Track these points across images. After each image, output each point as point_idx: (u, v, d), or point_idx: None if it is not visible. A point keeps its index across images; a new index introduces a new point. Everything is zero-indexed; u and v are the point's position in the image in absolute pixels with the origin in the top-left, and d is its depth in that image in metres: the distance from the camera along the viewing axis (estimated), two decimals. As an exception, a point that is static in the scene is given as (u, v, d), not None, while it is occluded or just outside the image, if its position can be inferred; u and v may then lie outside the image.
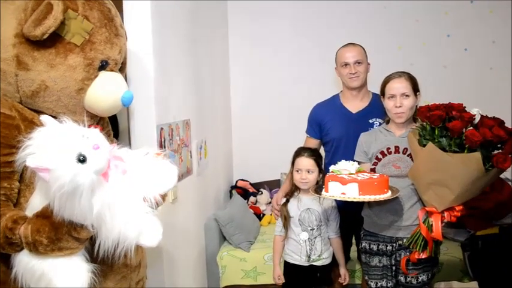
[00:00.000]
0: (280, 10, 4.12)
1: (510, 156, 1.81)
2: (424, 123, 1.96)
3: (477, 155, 1.80)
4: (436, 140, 1.90)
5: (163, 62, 2.37)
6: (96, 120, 1.61)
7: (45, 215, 1.28)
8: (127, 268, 1.60)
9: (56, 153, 1.17)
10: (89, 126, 1.31)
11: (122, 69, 1.68)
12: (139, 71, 2.20)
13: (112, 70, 1.56)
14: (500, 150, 1.84)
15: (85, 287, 1.31)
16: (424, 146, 1.93)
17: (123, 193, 1.31)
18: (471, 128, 1.86)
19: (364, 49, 2.55)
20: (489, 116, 1.90)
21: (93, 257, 1.37)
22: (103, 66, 1.52)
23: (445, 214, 1.97)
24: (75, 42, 1.44)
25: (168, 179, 1.50)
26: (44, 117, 1.28)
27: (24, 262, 1.32)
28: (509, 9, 3.86)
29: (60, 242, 1.28)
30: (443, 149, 1.88)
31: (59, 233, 1.27)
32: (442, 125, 1.89)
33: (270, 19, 4.15)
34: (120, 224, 1.30)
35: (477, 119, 1.88)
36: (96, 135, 1.26)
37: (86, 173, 1.17)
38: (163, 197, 1.69)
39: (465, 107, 1.91)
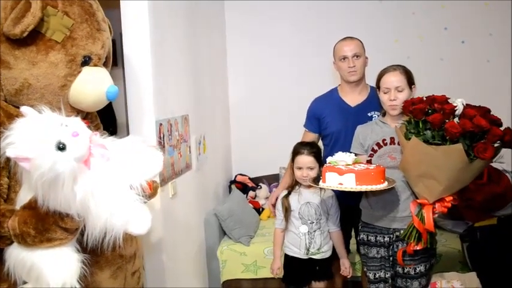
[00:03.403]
0: (277, 6, 4.12)
1: (492, 145, 1.81)
2: (409, 117, 1.97)
3: (459, 146, 1.81)
4: (421, 133, 1.92)
5: (162, 57, 2.37)
6: (82, 115, 1.61)
7: (32, 206, 1.30)
8: (122, 259, 1.61)
9: (35, 142, 1.18)
10: None
11: (107, 63, 1.68)
12: (138, 67, 2.21)
13: (96, 65, 1.56)
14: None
15: (75, 277, 1.32)
16: (409, 139, 1.94)
17: (107, 180, 1.31)
18: (454, 119, 1.86)
19: (361, 42, 2.55)
20: (474, 106, 1.89)
21: (85, 247, 1.38)
22: (86, 61, 1.53)
23: (436, 205, 1.99)
24: (56, 39, 1.44)
25: (154, 166, 1.51)
26: (24, 108, 1.29)
27: (15, 255, 1.33)
28: (506, 2, 3.86)
29: (48, 233, 1.30)
30: (428, 142, 1.89)
31: (46, 223, 1.29)
32: (425, 118, 1.91)
33: (267, 15, 4.14)
34: (106, 212, 1.31)
35: (460, 109, 1.88)
36: (75, 123, 1.27)
37: (66, 160, 1.18)
38: (155, 189, 1.70)
39: (448, 98, 1.91)
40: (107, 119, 3.72)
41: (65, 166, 1.18)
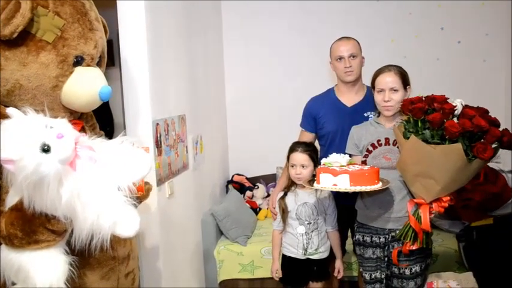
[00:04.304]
0: (274, 6, 4.12)
1: (491, 146, 1.81)
2: (408, 116, 1.97)
3: (458, 145, 1.81)
4: (420, 133, 1.92)
5: (158, 57, 2.37)
6: (77, 115, 1.60)
7: (18, 208, 1.29)
8: (114, 260, 1.60)
9: (19, 144, 1.17)
10: (70, 121, 1.31)
11: (101, 63, 1.67)
12: (135, 67, 2.21)
13: (89, 65, 1.55)
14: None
15: (62, 279, 1.32)
16: (407, 138, 1.94)
17: (94, 182, 1.30)
18: (452, 119, 1.86)
19: (358, 42, 2.55)
20: (472, 106, 1.90)
21: (74, 249, 1.38)
22: (78, 61, 1.52)
23: (433, 205, 1.99)
24: (47, 40, 1.43)
25: (141, 167, 1.50)
26: (10, 110, 1.28)
27: (3, 256, 1.33)
28: (502, 2, 3.87)
29: (35, 235, 1.29)
30: (426, 141, 1.89)
31: (33, 225, 1.28)
32: (424, 117, 1.91)
33: (264, 15, 4.15)
34: (93, 214, 1.30)
35: (459, 109, 1.88)
36: (60, 124, 1.26)
37: (50, 162, 1.17)
38: (147, 191, 1.68)
39: (448, 98, 1.91)
40: (104, 119, 3.73)
41: (49, 168, 1.17)
